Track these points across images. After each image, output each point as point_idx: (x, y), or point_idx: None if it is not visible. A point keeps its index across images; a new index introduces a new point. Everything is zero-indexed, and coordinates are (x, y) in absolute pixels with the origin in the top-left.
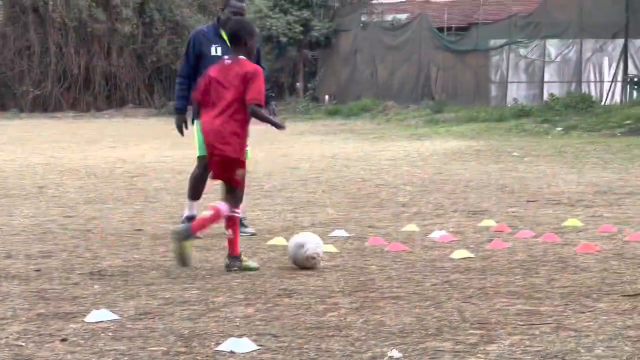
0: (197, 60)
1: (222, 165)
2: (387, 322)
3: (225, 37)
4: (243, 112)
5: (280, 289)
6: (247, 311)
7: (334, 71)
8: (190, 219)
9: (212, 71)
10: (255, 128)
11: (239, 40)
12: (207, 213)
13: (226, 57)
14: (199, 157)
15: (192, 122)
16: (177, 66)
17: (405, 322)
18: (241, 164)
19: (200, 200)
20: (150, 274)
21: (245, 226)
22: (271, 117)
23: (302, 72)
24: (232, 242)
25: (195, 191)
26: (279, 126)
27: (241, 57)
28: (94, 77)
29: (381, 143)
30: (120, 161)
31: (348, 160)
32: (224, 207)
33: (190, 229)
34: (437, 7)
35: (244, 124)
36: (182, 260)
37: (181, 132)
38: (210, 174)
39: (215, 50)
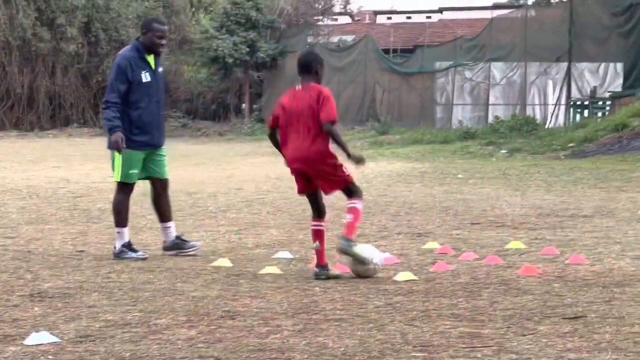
0: (129, 86)
1: (327, 181)
2: (329, 344)
3: (150, 61)
4: (322, 131)
5: (223, 310)
6: (190, 333)
7: (280, 92)
8: (129, 244)
9: (286, 100)
10: None
11: (310, 69)
12: (349, 216)
13: (297, 85)
14: (120, 183)
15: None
16: None
17: (348, 344)
18: (337, 169)
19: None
20: (92, 296)
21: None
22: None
23: (248, 93)
24: (349, 227)
25: (123, 217)
26: (351, 156)
27: (311, 83)
28: (37, 96)
29: None
30: (63, 181)
31: (293, 182)
32: (358, 203)
33: (347, 239)
34: (383, 29)
35: (327, 140)
36: (363, 261)
37: (119, 149)
38: (323, 191)
39: (145, 76)
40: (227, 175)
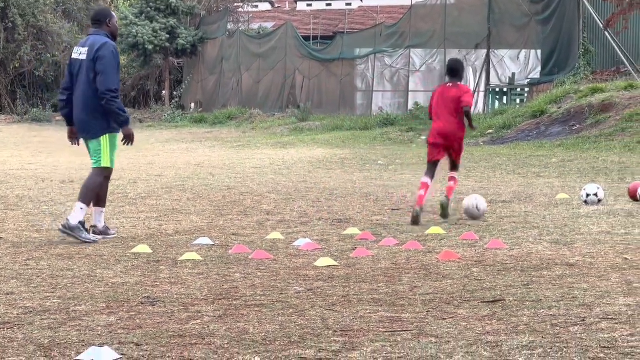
0: None
1: (458, 149)
2: (250, 330)
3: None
4: (461, 116)
5: (143, 297)
6: (109, 320)
7: (200, 79)
8: (83, 224)
9: (439, 91)
10: None
11: (457, 73)
12: (451, 183)
13: (448, 82)
14: (105, 168)
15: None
16: (40, 72)
17: (269, 330)
18: (462, 141)
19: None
20: (10, 283)
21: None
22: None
23: (168, 80)
24: (450, 189)
25: (92, 198)
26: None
27: (458, 82)
28: None
29: (246, 151)
30: None
31: (213, 168)
32: (456, 174)
33: (447, 197)
34: (303, 16)
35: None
36: (446, 215)
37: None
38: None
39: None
40: (147, 162)
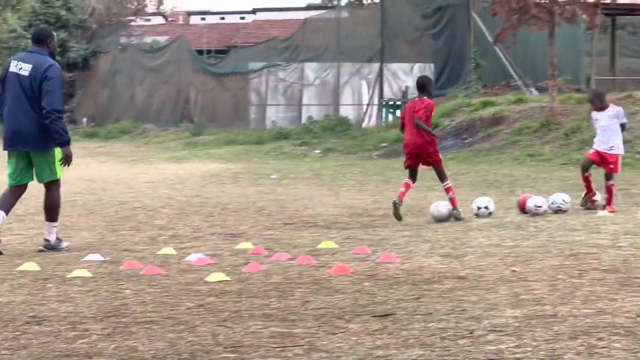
0: None
1: (430, 159)
2: (139, 347)
3: None
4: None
5: (29, 316)
6: None
7: (93, 93)
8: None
9: (408, 105)
10: None
11: (424, 88)
12: (450, 194)
13: (416, 97)
14: (57, 181)
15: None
16: None
17: (158, 347)
18: (435, 154)
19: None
20: None
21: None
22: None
23: None
24: (453, 200)
25: (58, 212)
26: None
27: (424, 97)
28: None
29: (140, 166)
30: None
31: (105, 183)
32: (447, 183)
33: (455, 207)
34: (196, 30)
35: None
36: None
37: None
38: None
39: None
40: None
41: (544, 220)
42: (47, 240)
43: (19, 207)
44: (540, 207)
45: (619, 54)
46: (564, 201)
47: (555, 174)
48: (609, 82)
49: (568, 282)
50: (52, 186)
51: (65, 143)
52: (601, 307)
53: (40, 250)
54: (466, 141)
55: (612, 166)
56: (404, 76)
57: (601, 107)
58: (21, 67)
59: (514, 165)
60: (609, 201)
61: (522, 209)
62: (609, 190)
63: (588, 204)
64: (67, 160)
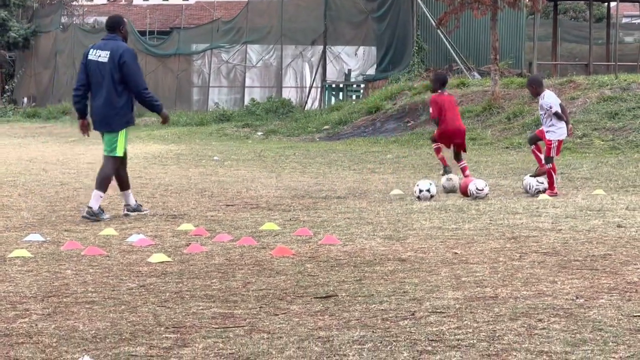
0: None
1: (462, 142)
2: (80, 327)
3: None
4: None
5: None
6: None
7: (33, 73)
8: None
9: (446, 99)
10: None
11: (444, 83)
12: (467, 172)
13: (446, 91)
14: (118, 157)
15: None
16: None
17: (99, 327)
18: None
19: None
20: None
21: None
22: None
23: (0, 73)
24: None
25: (107, 185)
26: None
27: (446, 91)
28: None
29: (81, 147)
30: None
31: (46, 164)
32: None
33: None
34: (139, 11)
35: None
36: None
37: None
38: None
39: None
40: None
41: (485, 203)
42: (89, 207)
43: None
44: (481, 190)
45: (561, 39)
46: (477, 189)
47: (497, 157)
48: (551, 67)
49: (509, 264)
50: (109, 159)
51: (160, 108)
52: (541, 289)
53: (83, 217)
54: (408, 124)
55: (546, 148)
56: (347, 59)
57: (536, 94)
58: (100, 55)
59: None
60: (550, 185)
61: (464, 192)
62: (548, 174)
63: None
64: (166, 119)
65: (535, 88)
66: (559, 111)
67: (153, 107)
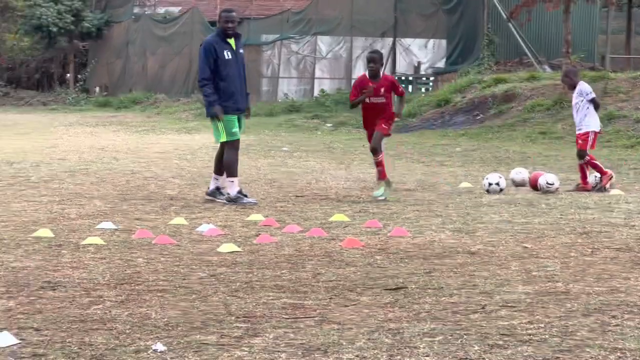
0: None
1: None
2: (152, 315)
3: (231, 43)
4: None
5: (44, 281)
6: (9, 304)
7: (106, 63)
8: (240, 192)
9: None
10: None
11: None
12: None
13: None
14: (226, 142)
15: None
16: None
17: (171, 315)
18: None
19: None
20: None
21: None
22: None
23: (73, 63)
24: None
25: (234, 169)
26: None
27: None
28: None
29: (151, 136)
30: None
31: (117, 153)
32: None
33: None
34: (210, 1)
35: None
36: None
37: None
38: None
39: (227, 55)
40: (50, 145)
41: (555, 197)
42: (227, 193)
43: (32, 174)
44: (552, 184)
45: (635, 32)
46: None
47: (568, 151)
48: (624, 61)
49: (580, 259)
50: (225, 146)
51: (210, 104)
52: (614, 285)
53: (224, 204)
54: (477, 118)
55: (580, 142)
56: (417, 51)
57: (572, 85)
58: None
59: (526, 142)
60: (582, 179)
61: (534, 186)
62: (581, 169)
63: (601, 184)
64: (214, 115)
65: (571, 79)
66: (597, 98)
67: (204, 99)
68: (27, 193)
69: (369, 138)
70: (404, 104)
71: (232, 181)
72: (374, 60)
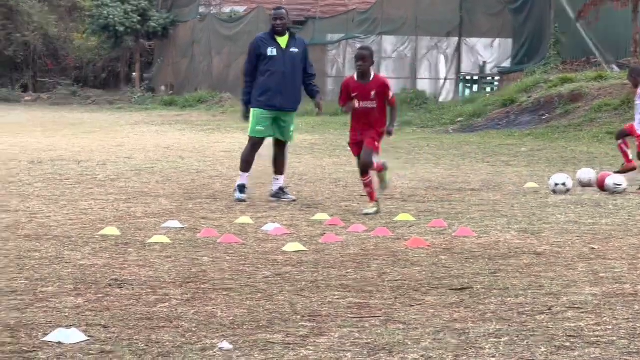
0: (257, 60)
1: None
2: (218, 313)
3: (280, 41)
4: None
5: (111, 279)
6: (77, 301)
7: (171, 62)
8: (242, 187)
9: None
10: None
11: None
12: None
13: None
14: (250, 137)
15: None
16: (10, 52)
17: (237, 314)
18: None
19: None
20: None
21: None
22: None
23: (139, 62)
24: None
25: (245, 164)
26: None
27: None
28: None
29: (216, 135)
30: None
31: (183, 152)
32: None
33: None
34: (276, 1)
35: None
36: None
37: (247, 119)
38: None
39: (271, 51)
40: (116, 144)
41: (623, 198)
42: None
43: (99, 173)
44: (619, 185)
45: None
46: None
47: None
48: None
49: None
50: (248, 140)
51: (242, 99)
52: None
53: (289, 202)
54: (543, 117)
55: (638, 143)
56: (482, 51)
57: (635, 84)
58: None
59: (592, 142)
60: None
61: (601, 186)
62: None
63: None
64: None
65: (635, 78)
66: None
67: None
68: (94, 191)
69: (355, 150)
70: (396, 116)
71: (241, 175)
72: (364, 57)
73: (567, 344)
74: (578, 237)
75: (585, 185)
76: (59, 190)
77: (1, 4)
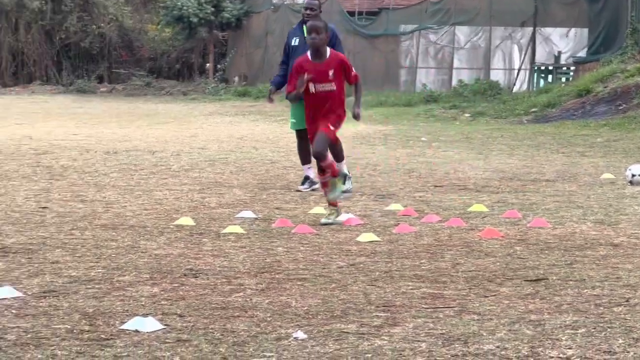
0: (289, 50)
1: None
2: (292, 303)
3: (304, 31)
4: None
5: (186, 269)
6: (153, 290)
7: (245, 53)
8: (307, 178)
9: None
10: None
11: None
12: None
13: None
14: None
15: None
16: (86, 44)
17: (311, 304)
18: None
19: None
20: (55, 252)
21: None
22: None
23: (213, 53)
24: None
25: (301, 157)
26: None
27: None
28: (0, 53)
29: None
30: (26, 138)
31: (256, 142)
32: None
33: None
34: None
35: None
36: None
37: (270, 100)
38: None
39: (294, 41)
40: (190, 134)
41: None
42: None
43: (173, 163)
44: None
45: None
46: None
47: None
48: None
49: None
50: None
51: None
52: None
53: (312, 190)
54: (620, 107)
55: None
56: (557, 41)
57: None
58: None
59: None
60: None
61: None
62: None
63: None
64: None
65: None
66: None
67: None
68: (168, 182)
69: (312, 140)
70: (361, 96)
71: (309, 167)
72: (317, 29)
73: None
74: None
75: None
76: (133, 180)
77: None
